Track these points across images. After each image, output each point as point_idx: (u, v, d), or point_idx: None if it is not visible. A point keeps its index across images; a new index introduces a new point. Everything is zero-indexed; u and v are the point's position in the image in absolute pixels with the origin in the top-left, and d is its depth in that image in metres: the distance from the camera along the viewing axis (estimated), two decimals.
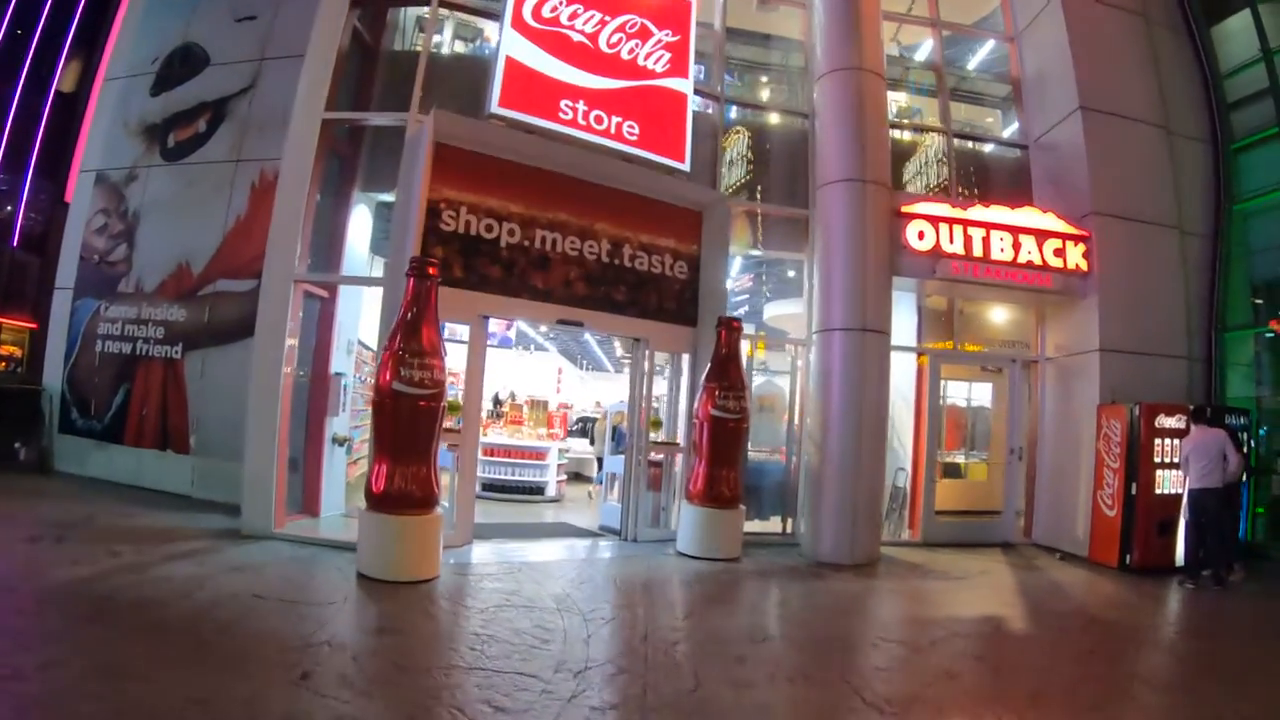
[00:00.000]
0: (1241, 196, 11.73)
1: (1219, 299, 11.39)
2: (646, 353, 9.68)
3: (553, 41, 8.96)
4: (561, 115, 8.78)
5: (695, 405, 9.20)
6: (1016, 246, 10.18)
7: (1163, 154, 11.55)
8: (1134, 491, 9.47)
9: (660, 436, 10.01)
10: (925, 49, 13.26)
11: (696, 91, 10.25)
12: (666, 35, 9.77)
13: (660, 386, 10.70)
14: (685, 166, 9.66)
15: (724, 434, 8.91)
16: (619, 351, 23.30)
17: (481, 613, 5.80)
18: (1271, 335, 11.19)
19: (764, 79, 13.27)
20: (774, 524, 10.30)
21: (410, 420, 6.66)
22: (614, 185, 9.36)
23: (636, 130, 9.31)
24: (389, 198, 9.38)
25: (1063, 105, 11.19)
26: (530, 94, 8.65)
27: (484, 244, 8.44)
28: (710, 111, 10.84)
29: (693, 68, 9.89)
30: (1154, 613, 7.79)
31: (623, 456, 9.84)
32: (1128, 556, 9.40)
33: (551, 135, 8.70)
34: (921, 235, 9.88)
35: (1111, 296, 10.51)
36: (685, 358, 10.06)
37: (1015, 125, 12.64)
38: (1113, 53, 11.49)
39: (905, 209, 9.98)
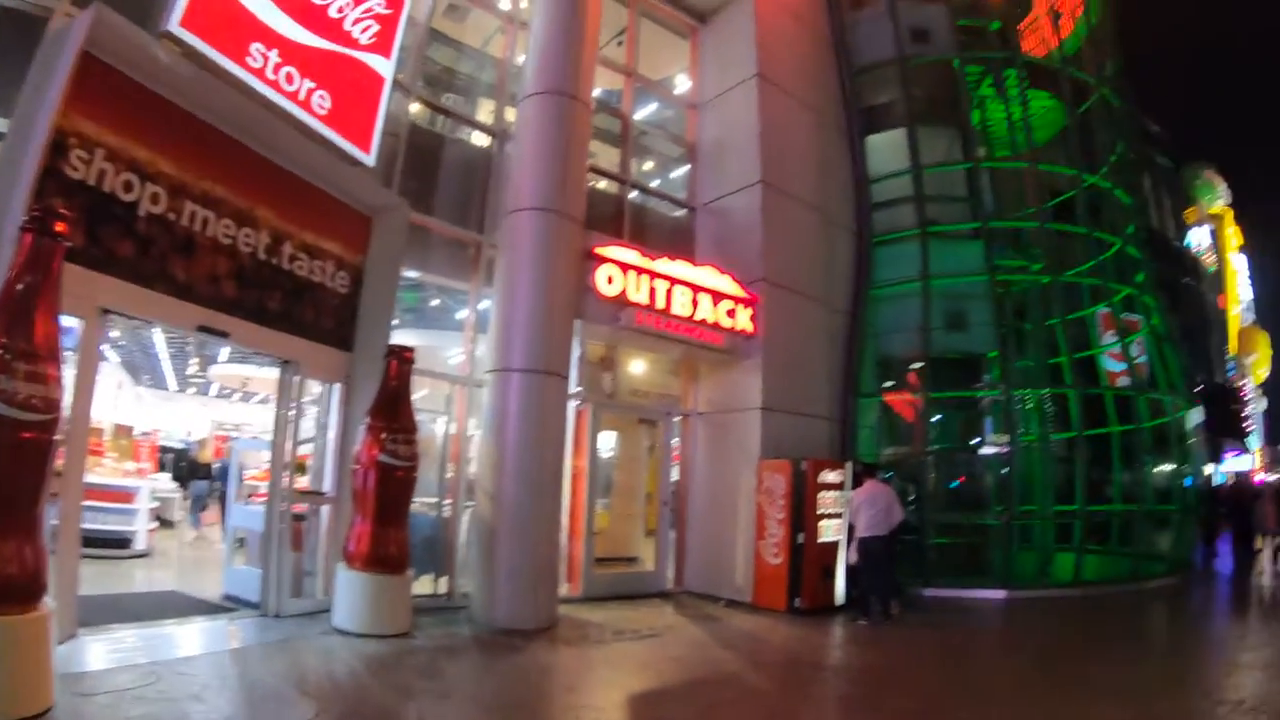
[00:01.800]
0: (877, 284, 13.47)
1: (855, 369, 12.96)
2: (296, 380, 8.03)
3: None
4: (250, 61, 6.92)
5: (357, 449, 7.77)
6: (695, 303, 10.62)
7: (821, 237, 12.98)
8: (800, 540, 10.19)
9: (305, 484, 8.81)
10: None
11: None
12: (379, 4, 8.43)
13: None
14: (370, 159, 8.26)
15: (392, 484, 7.64)
16: (191, 368, 21.05)
17: None
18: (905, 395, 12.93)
19: (453, 87, 12.74)
20: (422, 584, 8.95)
21: (10, 462, 4.46)
22: (287, 165, 7.71)
23: (328, 104, 7.70)
24: None
25: (743, 177, 12.04)
26: (221, 22, 6.72)
27: (118, 207, 6.20)
28: (395, 109, 9.61)
29: (397, 50, 8.67)
30: (859, 651, 8.73)
31: (256, 509, 8.46)
32: (796, 600, 10.10)
33: (233, 82, 6.79)
34: (610, 280, 9.79)
35: (773, 359, 11.40)
36: (338, 388, 8.63)
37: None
38: (792, 140, 12.67)
39: (598, 250, 9.84)
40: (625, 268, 9.97)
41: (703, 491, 11.66)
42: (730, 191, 12.23)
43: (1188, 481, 15.15)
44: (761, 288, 11.49)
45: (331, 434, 8.62)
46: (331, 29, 7.87)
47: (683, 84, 13.99)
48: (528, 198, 9.18)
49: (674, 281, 10.48)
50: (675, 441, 11.94)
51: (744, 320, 11.19)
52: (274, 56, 7.14)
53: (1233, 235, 40.70)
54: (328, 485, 8.55)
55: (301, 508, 8.33)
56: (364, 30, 8.20)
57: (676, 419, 11.94)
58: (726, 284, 11.12)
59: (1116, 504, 14.33)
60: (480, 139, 10.89)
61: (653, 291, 10.21)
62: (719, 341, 10.96)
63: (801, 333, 12.17)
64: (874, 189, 14.06)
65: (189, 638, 6.74)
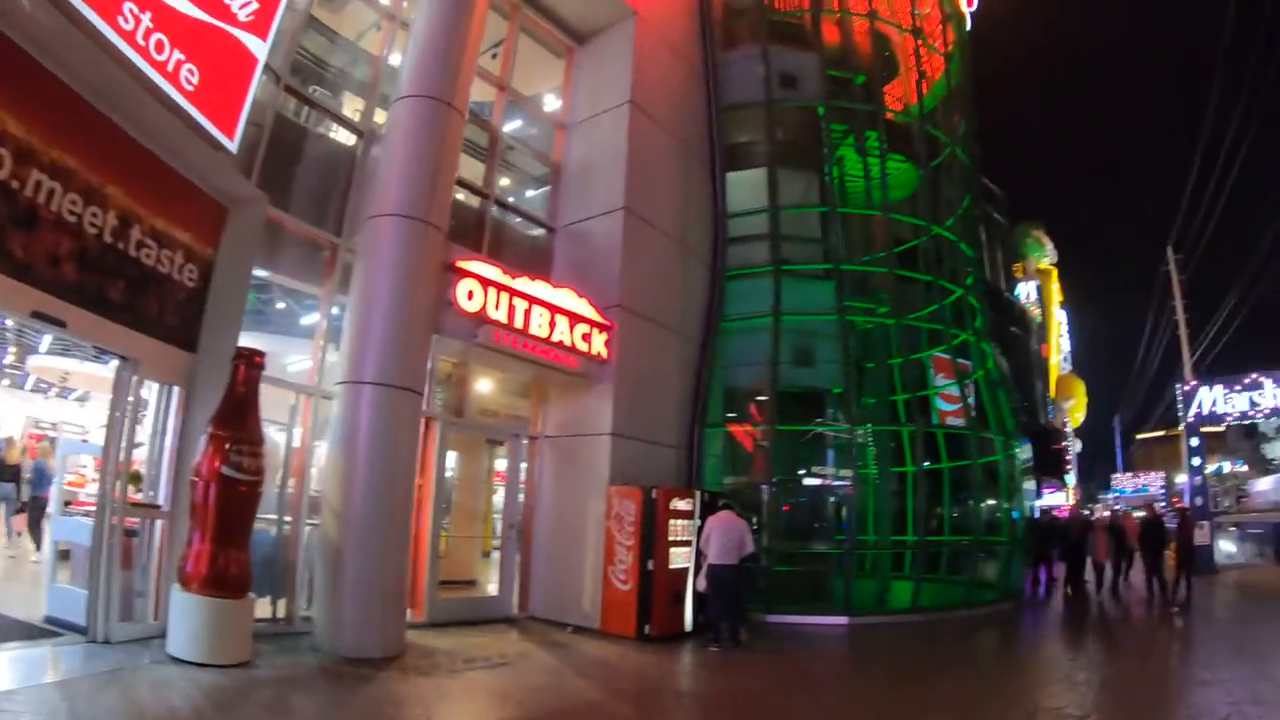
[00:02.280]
0: (728, 316, 13.87)
1: (703, 398, 13.22)
2: (134, 379, 7.19)
3: None
4: (121, 22, 6.15)
5: (197, 459, 7.09)
6: (553, 325, 10.57)
7: (679, 267, 13.28)
8: (650, 567, 10.26)
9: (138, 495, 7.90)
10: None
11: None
12: None
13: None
14: (234, 146, 7.52)
15: (236, 500, 7.03)
16: (7, 358, 19.57)
17: None
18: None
19: (321, 80, 11.97)
20: (260, 607, 8.06)
21: None
22: (145, 141, 6.98)
23: (196, 79, 6.97)
24: None
25: (606, 201, 12.15)
26: None
27: None
28: (262, 96, 8.83)
29: (274, 32, 8.05)
30: (716, 677, 8.91)
31: (82, 521, 7.73)
32: (646, 627, 10.13)
33: (101, 43, 6.00)
34: (471, 295, 9.58)
35: (625, 385, 11.49)
36: (176, 391, 7.89)
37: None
38: (657, 169, 12.94)
39: (460, 264, 9.64)
40: (486, 284, 9.79)
41: (549, 515, 11.59)
42: (592, 215, 12.30)
43: (1015, 515, 16.22)
44: (618, 314, 11.58)
45: (168, 441, 7.89)
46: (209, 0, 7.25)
47: (551, 103, 14.08)
48: (393, 203, 8.85)
49: (533, 301, 10.40)
50: (523, 464, 11.83)
51: (599, 345, 11.23)
52: (146, 20, 6.42)
53: (1056, 291, 44.37)
54: (162, 498, 7.82)
55: (133, 522, 7.52)
56: (243, 6, 7.62)
57: (524, 441, 11.83)
58: (584, 308, 11.14)
59: (951, 535, 15.30)
60: (345, 137, 10.48)
61: (512, 310, 10.09)
62: (574, 365, 10.95)
63: (654, 361, 12.39)
64: (731, 224, 14.53)
65: (4, 668, 5.93)
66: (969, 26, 18.46)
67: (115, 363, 7.34)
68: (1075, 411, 44.78)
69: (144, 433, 8.06)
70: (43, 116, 5.96)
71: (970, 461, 14.78)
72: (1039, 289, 43.08)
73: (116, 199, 6.73)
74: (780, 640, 10.83)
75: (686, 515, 10.80)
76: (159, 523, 7.72)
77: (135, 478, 7.67)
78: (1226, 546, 26.73)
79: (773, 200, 14.40)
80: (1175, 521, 18.12)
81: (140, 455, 8.01)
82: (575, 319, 10.93)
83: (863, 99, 15.67)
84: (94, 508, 7.48)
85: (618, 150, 12.28)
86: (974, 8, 18.42)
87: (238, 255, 8.18)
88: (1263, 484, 50.18)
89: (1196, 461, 26.82)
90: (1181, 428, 28.79)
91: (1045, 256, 43.48)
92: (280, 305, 12.06)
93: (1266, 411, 27.63)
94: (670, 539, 10.49)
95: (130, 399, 7.25)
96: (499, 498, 13.67)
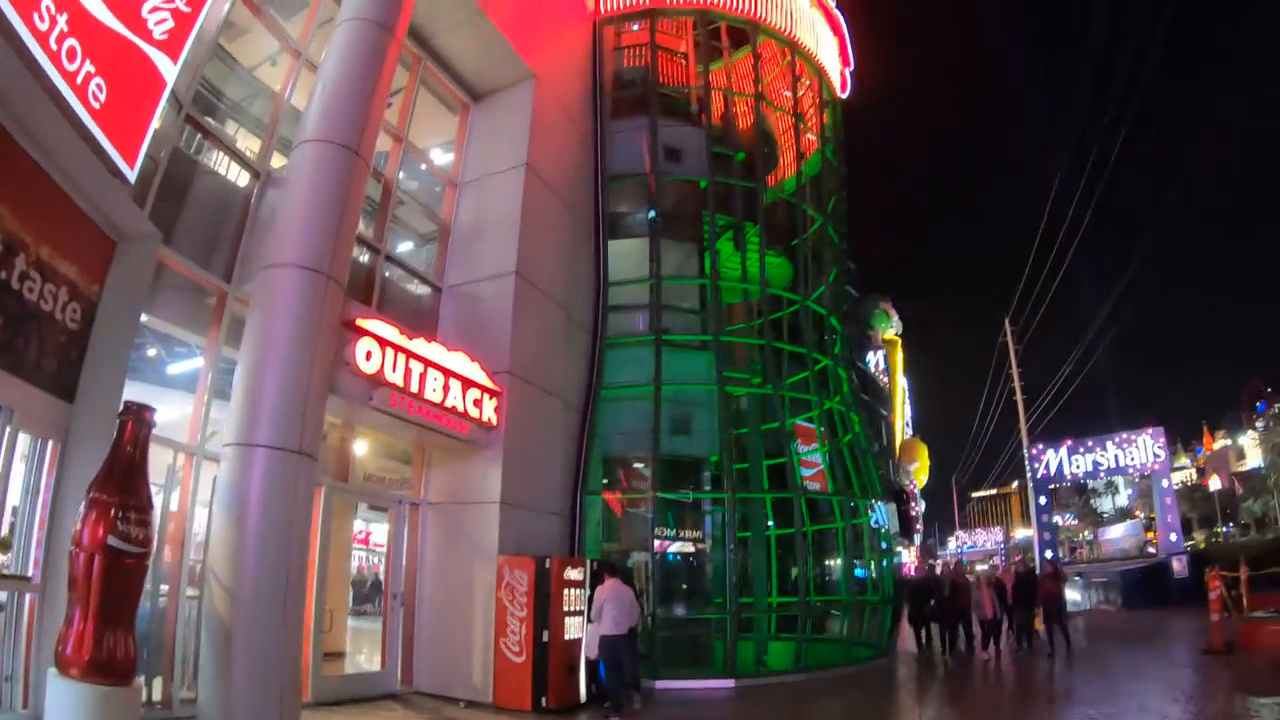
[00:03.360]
0: (608, 385, 14.07)
1: (585, 466, 13.34)
2: (7, 431, 6.28)
3: None
4: (37, 21, 5.59)
5: (78, 527, 6.25)
6: (446, 389, 10.45)
7: (564, 333, 13.45)
8: (546, 638, 10.17)
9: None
10: None
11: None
12: (179, 0, 7.25)
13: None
14: (133, 175, 6.81)
15: (123, 574, 6.23)
16: None
17: None
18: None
19: (216, 111, 10.90)
20: None
21: None
22: (40, 159, 6.19)
23: (103, 97, 6.31)
24: None
25: (497, 264, 12.21)
26: None
27: None
28: (161, 126, 8.24)
29: (185, 55, 7.49)
30: None
31: None
32: (543, 699, 10.02)
33: (12, 41, 5.40)
34: (369, 356, 9.29)
35: (514, 453, 11.48)
36: (51, 446, 6.92)
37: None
38: (548, 234, 13.15)
39: (360, 322, 9.35)
40: (384, 344, 9.55)
41: (434, 585, 11.33)
42: (482, 277, 12.32)
43: (886, 574, 16.84)
44: (507, 380, 11.58)
45: (39, 504, 6.99)
46: (127, 10, 6.69)
47: (439, 158, 14.09)
48: (293, 253, 8.35)
49: (429, 364, 10.25)
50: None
51: (489, 411, 11.19)
52: (62, 22, 5.86)
53: (900, 360, 47.21)
54: (31, 569, 6.92)
55: None
56: (159, 22, 7.02)
57: (406, 507, 11.57)
58: (476, 373, 11.08)
59: (824, 596, 15.79)
60: (238, 176, 9.91)
61: (408, 372, 9.89)
62: (465, 431, 10.86)
63: (540, 428, 12.45)
64: (612, 292, 14.84)
65: None
66: (841, 112, 19.71)
67: None
68: (919, 474, 47.42)
69: (14, 493, 7.07)
70: None
71: (841, 524, 15.43)
72: (885, 358, 45.70)
73: (3, 219, 5.92)
74: (672, 706, 11.00)
75: (579, 585, 10.84)
76: (29, 596, 6.90)
77: (3, 545, 6.95)
78: (1072, 595, 28.74)
79: (655, 270, 14.87)
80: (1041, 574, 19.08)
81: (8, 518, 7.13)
82: (468, 384, 10.85)
83: (742, 175, 16.44)
84: None
85: (510, 213, 12.39)
86: (846, 95, 19.68)
87: (124, 297, 7.39)
88: (1113, 532, 54.78)
89: (1045, 518, 29.42)
90: (1018, 485, 31.79)
91: (891, 327, 46.27)
92: (151, 351, 11.32)
93: (1108, 470, 30.75)
94: (565, 609, 10.47)
95: (1, 454, 6.47)
96: (353, 564, 13.18)
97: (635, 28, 16.76)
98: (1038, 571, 21.12)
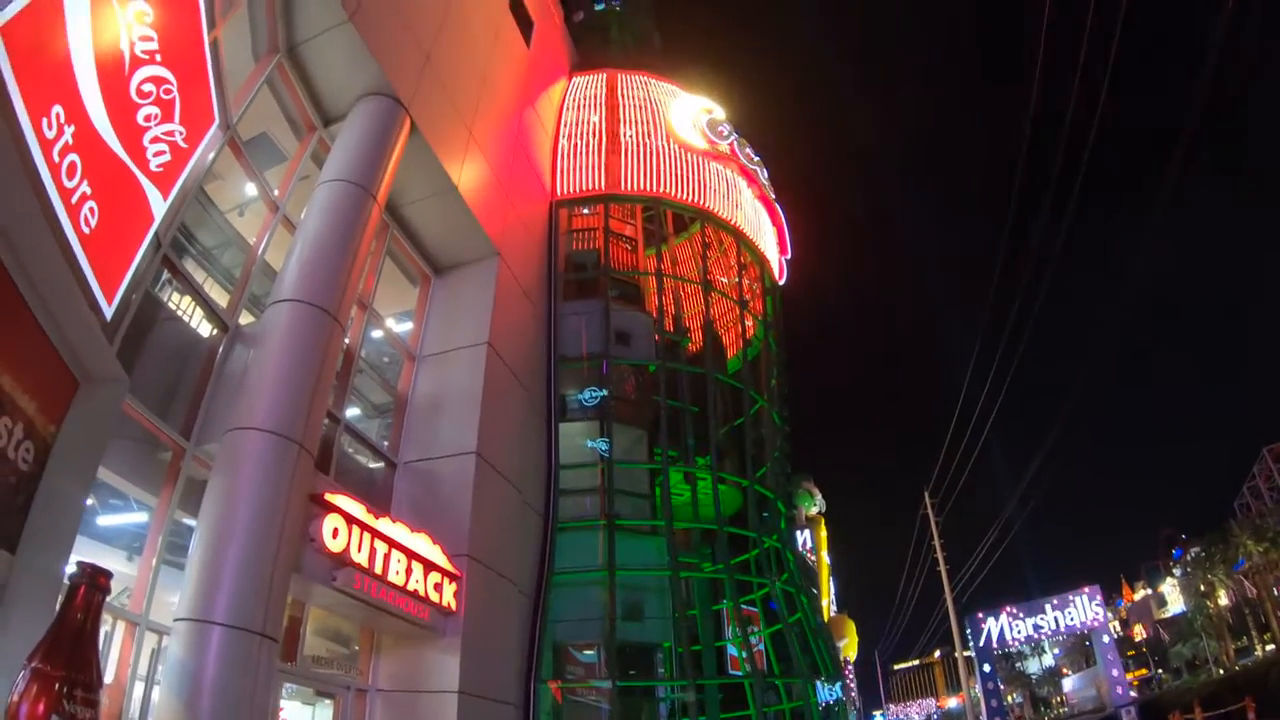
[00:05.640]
0: (558, 570, 13.68)
1: (538, 654, 12.74)
2: None
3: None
4: (45, 128, 5.31)
5: (14, 700, 5.14)
6: (409, 571, 9.88)
7: (519, 516, 13.11)
8: None
9: None
10: None
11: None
12: (179, 135, 7.16)
13: None
14: (110, 312, 6.42)
15: None
16: None
17: None
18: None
19: (185, 255, 10.18)
20: None
21: None
22: (15, 275, 5.40)
23: (94, 222, 5.94)
24: None
25: (455, 443, 11.89)
26: (39, 51, 5.26)
27: None
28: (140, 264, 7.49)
29: (175, 192, 7.33)
30: None
31: None
32: None
33: (18, 142, 5.06)
34: (336, 534, 8.72)
35: (472, 639, 10.83)
36: None
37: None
38: (506, 415, 12.99)
39: (328, 497, 8.87)
40: (351, 521, 9.01)
41: None
42: (440, 455, 11.95)
43: None
44: (465, 563, 11.05)
45: None
46: (131, 134, 6.46)
47: (394, 327, 13.74)
48: (264, 417, 7.97)
49: (393, 545, 9.71)
50: None
51: (449, 596, 10.59)
52: (68, 135, 5.57)
53: (825, 537, 47.41)
54: None
55: None
56: (158, 154, 6.77)
57: (352, 693, 10.63)
58: (438, 555, 10.55)
59: None
60: (203, 328, 9.40)
61: (373, 553, 9.31)
62: (425, 616, 10.21)
63: (497, 613, 11.88)
64: (562, 475, 14.67)
65: None
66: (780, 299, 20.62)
67: None
68: (849, 649, 46.88)
69: None
70: None
71: (807, 703, 14.90)
72: (812, 535, 45.81)
73: None
74: None
75: None
76: None
77: None
78: None
79: (607, 455, 14.81)
80: None
81: None
82: (429, 567, 10.29)
83: (687, 359, 16.83)
84: None
85: (471, 391, 12.23)
86: (783, 282, 20.64)
87: (83, 443, 6.56)
88: (1069, 684, 54.75)
89: (990, 685, 29.88)
90: (940, 654, 32.65)
91: (815, 506, 46.69)
92: (88, 501, 10.38)
93: (1050, 632, 31.38)
94: None
95: None
96: None
97: (586, 211, 17.45)
98: None
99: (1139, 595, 78.47)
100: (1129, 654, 72.41)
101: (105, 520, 9.32)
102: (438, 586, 10.42)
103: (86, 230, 5.91)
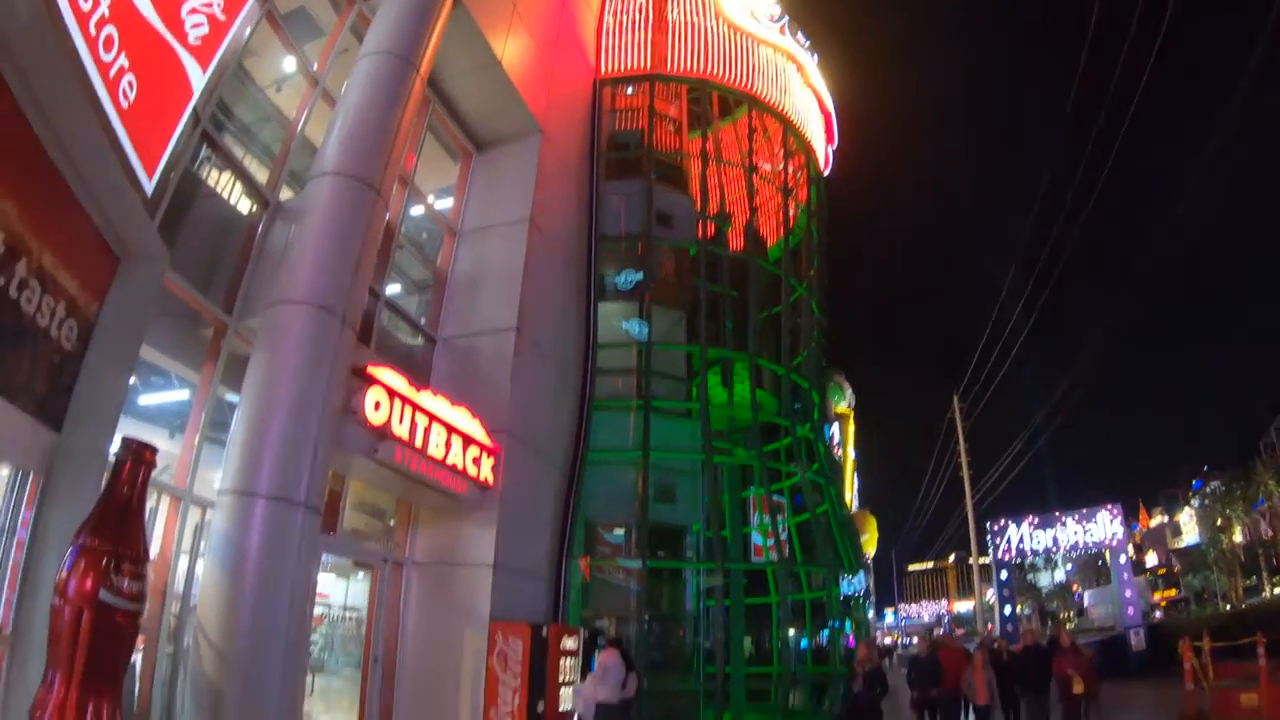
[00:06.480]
0: (593, 448, 13.74)
1: (570, 531, 12.93)
2: None
3: None
4: (81, 1, 4.95)
5: (63, 575, 5.30)
6: (448, 445, 9.94)
7: (556, 393, 13.13)
8: (541, 709, 9.66)
9: None
10: None
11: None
12: (217, 5, 6.77)
13: None
14: (150, 187, 6.10)
15: (113, 633, 5.29)
16: None
17: None
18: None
19: (225, 131, 10.02)
20: None
21: None
22: (56, 156, 5.43)
23: (132, 97, 5.63)
24: None
25: (495, 319, 11.87)
26: None
27: None
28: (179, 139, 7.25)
29: (214, 66, 6.94)
30: None
31: None
32: None
33: (55, 16, 4.71)
34: (378, 406, 8.75)
35: (508, 514, 11.00)
36: (32, 479, 6.17)
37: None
38: (546, 293, 12.85)
39: (371, 370, 8.85)
40: (393, 395, 9.03)
41: (418, 651, 10.63)
42: (480, 331, 11.94)
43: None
44: (504, 439, 11.12)
45: (14, 544, 6.06)
46: (168, 6, 6.15)
47: (435, 205, 13.61)
48: (305, 290, 7.83)
49: (433, 419, 9.75)
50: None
51: (486, 470, 10.67)
52: (104, 6, 5.24)
53: (852, 433, 47.72)
54: (2, 616, 5.97)
55: None
56: (196, 25, 6.49)
57: (389, 566, 10.93)
58: (477, 430, 10.62)
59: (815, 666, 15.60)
60: (243, 203, 9.27)
61: (414, 426, 9.37)
62: (463, 490, 10.32)
63: (533, 490, 12.04)
64: (601, 354, 14.61)
65: None
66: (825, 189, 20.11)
67: None
68: (868, 545, 47.68)
69: None
70: None
71: (822, 593, 15.23)
72: (840, 430, 46.12)
73: (8, 217, 5.07)
74: None
75: (573, 654, 10.44)
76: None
77: None
78: None
79: (645, 335, 14.72)
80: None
81: None
82: (468, 441, 10.37)
83: (728, 246, 16.55)
84: None
85: (512, 268, 12.10)
86: (828, 172, 20.10)
87: (126, 319, 6.62)
88: (1089, 597, 55.61)
89: (1006, 593, 30.05)
90: (954, 559, 32.60)
91: (844, 400, 46.82)
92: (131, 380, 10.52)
93: (1069, 546, 31.43)
94: (561, 680, 10.04)
95: None
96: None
97: (630, 91, 16.93)
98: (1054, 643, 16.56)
99: (1155, 521, 78.72)
100: (1159, 572, 73.20)
101: (147, 399, 9.53)
102: (476, 461, 10.50)
103: (125, 104, 5.67)
